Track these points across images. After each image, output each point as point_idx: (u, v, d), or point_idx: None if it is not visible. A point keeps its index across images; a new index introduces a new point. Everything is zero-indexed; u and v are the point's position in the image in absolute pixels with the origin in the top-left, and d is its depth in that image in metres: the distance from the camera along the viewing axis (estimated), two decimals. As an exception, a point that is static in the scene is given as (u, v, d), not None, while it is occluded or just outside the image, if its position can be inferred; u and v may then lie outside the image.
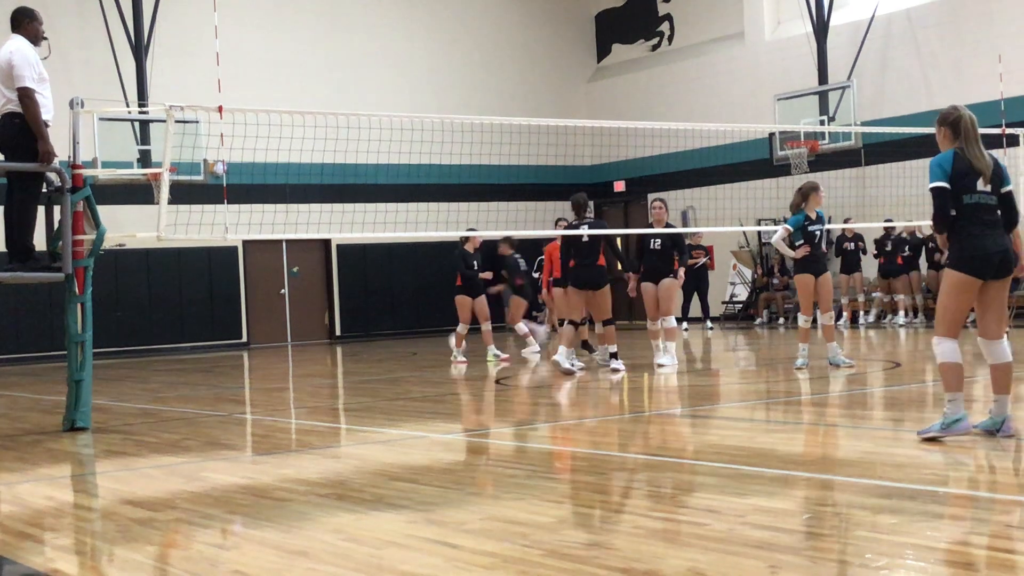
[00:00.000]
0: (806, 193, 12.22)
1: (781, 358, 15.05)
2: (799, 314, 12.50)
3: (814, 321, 12.73)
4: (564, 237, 13.30)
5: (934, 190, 7.00)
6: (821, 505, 5.41)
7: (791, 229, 12.02)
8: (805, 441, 7.50)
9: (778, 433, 8.14)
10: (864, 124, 20.52)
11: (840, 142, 21.31)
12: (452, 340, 16.27)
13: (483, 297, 16.07)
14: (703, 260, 22.04)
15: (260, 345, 23.74)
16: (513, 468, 6.85)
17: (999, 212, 7.04)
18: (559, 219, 16.77)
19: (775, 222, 22.93)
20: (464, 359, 15.88)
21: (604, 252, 12.98)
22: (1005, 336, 7.13)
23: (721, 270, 24.11)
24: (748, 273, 24.14)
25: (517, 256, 17.23)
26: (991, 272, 6.94)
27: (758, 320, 23.05)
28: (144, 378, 16.46)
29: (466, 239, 15.96)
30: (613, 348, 13.01)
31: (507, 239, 17.16)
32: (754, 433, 8.21)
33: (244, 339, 23.80)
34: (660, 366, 13.53)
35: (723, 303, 24.33)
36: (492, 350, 15.99)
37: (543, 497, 5.91)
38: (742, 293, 24.33)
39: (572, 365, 12.87)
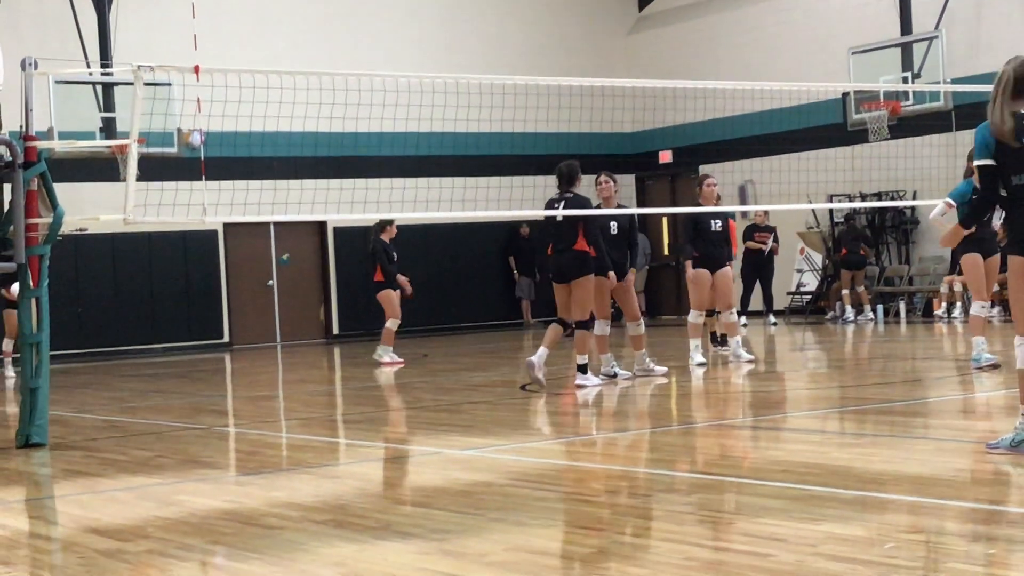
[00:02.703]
0: (970, 158, 12.03)
1: (858, 358, 15.00)
2: (973, 302, 12.24)
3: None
4: (546, 219, 12.66)
5: (979, 168, 7.00)
6: (906, 532, 5.40)
7: (953, 203, 11.70)
8: (887, 457, 7.48)
9: (855, 448, 8.12)
10: (955, 81, 20.38)
11: (927, 103, 21.17)
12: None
13: (400, 292, 17.03)
14: (770, 244, 21.94)
15: (245, 346, 23.82)
16: (542, 489, 6.86)
17: None
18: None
19: (849, 198, 22.87)
20: (400, 359, 16.77)
21: (587, 237, 12.21)
22: None
23: (786, 255, 24.01)
24: (818, 259, 24.04)
25: None
26: None
27: (830, 314, 22.98)
28: (110, 385, 16.54)
29: (382, 228, 16.93)
30: (583, 359, 12.23)
31: None
32: (827, 448, 8.20)
33: (226, 339, 23.88)
34: (701, 365, 13.65)
35: (788, 294, 24.25)
36: (387, 350, 16.96)
37: (578, 523, 5.91)
38: (811, 282, 24.24)
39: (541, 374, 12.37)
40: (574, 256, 12.19)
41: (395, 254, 16.97)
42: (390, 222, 16.95)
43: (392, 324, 16.97)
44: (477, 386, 13.56)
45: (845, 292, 22.32)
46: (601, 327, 12.88)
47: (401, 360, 16.87)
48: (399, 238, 17.42)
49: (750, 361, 14.09)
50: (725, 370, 13.55)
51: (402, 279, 17.05)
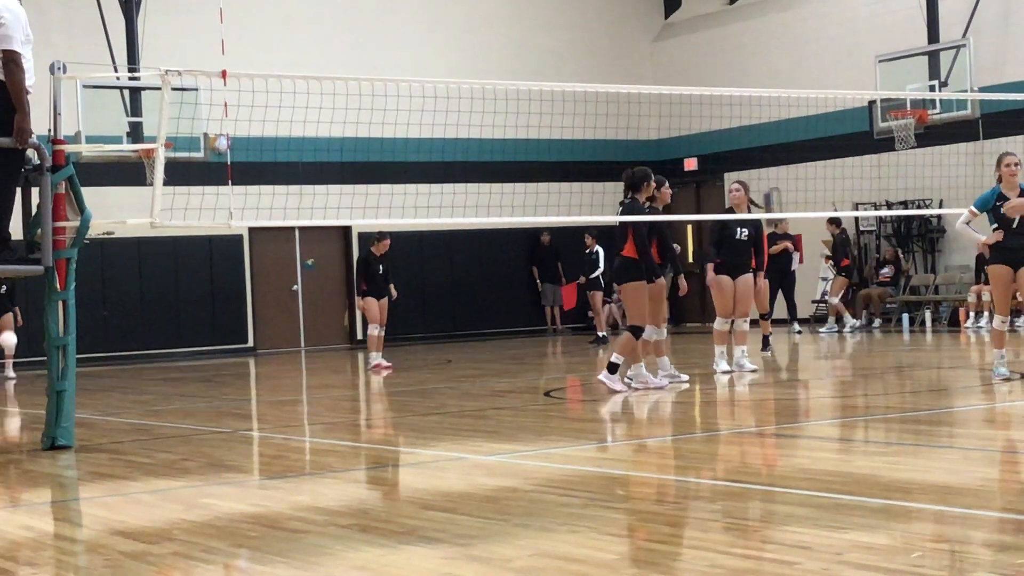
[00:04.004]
0: (998, 164, 12.00)
1: (881, 367, 14.95)
2: (997, 315, 12.17)
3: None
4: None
5: None
6: (932, 541, 5.38)
7: (976, 211, 11.70)
8: (912, 465, 7.45)
9: (880, 456, 8.09)
10: (982, 90, 20.30)
11: (954, 111, 21.09)
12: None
13: (385, 301, 17.33)
14: (792, 252, 21.88)
15: (269, 351, 23.89)
16: (567, 495, 6.85)
17: None
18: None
19: (875, 206, 22.78)
20: (388, 363, 17.06)
21: (635, 243, 12.28)
22: None
23: (810, 264, 23.96)
24: (843, 267, 23.96)
25: None
26: None
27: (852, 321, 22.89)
28: (135, 388, 16.60)
29: (372, 242, 17.27)
30: (617, 358, 12.15)
31: None
32: (851, 456, 8.17)
33: (250, 344, 23.96)
34: (726, 373, 13.61)
35: (813, 302, 24.18)
36: (375, 356, 17.28)
37: (603, 530, 5.90)
38: (836, 290, 24.16)
39: (629, 381, 12.54)
40: (622, 262, 12.38)
41: (381, 267, 17.10)
42: (380, 237, 17.16)
43: (372, 330, 17.23)
44: (502, 392, 13.57)
45: (834, 301, 22.13)
46: (654, 333, 12.97)
47: (388, 365, 17.07)
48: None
49: (752, 371, 13.92)
50: (753, 377, 13.50)
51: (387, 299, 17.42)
